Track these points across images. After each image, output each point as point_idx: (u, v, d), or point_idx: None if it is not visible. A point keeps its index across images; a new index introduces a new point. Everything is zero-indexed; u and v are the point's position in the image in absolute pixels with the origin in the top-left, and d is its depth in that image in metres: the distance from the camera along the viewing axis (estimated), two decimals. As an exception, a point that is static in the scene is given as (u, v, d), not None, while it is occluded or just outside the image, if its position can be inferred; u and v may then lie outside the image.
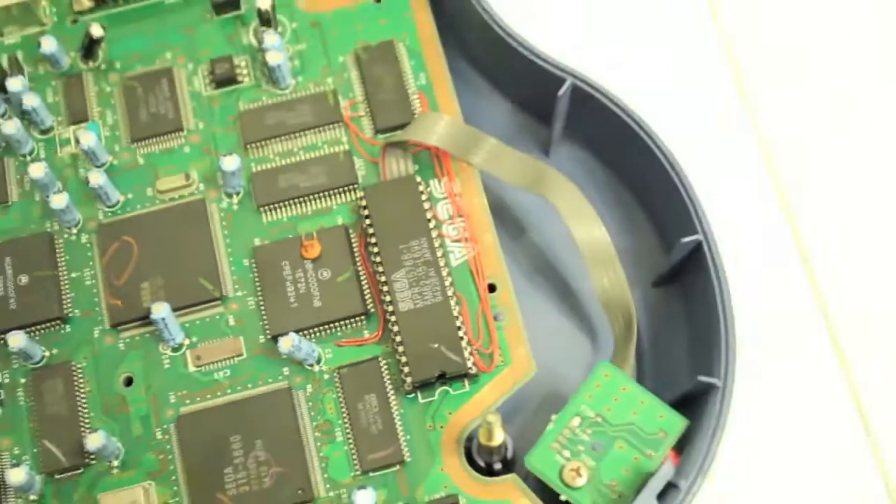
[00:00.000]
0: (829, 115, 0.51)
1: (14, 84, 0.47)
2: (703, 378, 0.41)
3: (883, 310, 0.47)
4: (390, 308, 0.43)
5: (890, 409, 0.45)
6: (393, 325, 0.43)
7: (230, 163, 0.44)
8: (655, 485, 0.39)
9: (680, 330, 0.45)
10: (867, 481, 0.44)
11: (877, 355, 0.46)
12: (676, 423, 0.41)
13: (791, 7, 0.54)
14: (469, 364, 0.42)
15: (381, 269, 0.43)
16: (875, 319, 0.47)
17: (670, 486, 0.39)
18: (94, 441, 0.41)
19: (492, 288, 0.44)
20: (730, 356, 0.41)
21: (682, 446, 0.40)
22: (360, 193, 0.45)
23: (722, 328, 0.41)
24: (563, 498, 0.40)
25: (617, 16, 0.53)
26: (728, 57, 0.52)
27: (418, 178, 0.45)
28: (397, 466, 0.42)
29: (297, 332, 0.43)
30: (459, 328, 0.43)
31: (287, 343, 0.42)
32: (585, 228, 0.43)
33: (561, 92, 0.45)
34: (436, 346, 0.42)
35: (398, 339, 0.43)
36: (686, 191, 0.43)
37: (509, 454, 0.42)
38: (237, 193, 0.46)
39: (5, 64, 0.49)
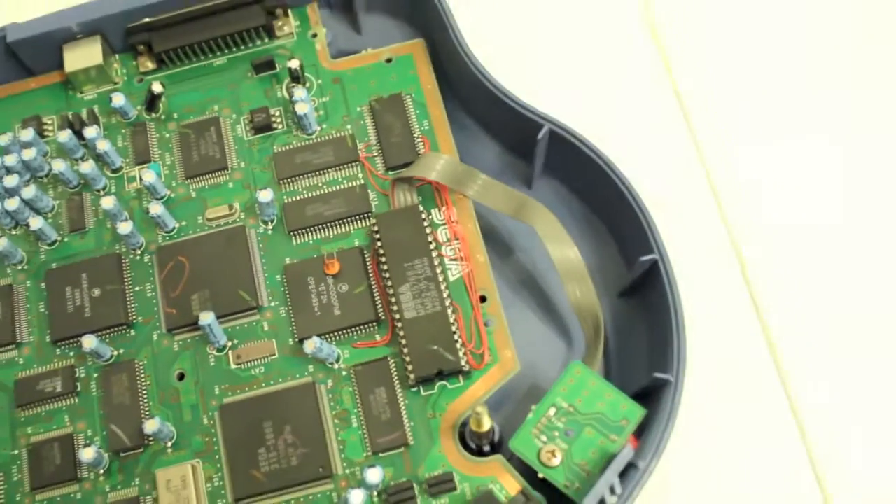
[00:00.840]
0: (770, 142, 0.50)
1: (90, 132, 0.46)
2: (658, 375, 0.39)
3: (817, 313, 0.46)
4: (397, 316, 0.42)
5: (820, 403, 0.44)
6: (399, 331, 0.42)
7: (265, 195, 0.43)
8: (618, 464, 0.38)
9: (641, 334, 0.43)
10: (798, 470, 0.43)
11: (811, 357, 0.45)
12: (636, 412, 0.39)
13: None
14: (463, 363, 0.41)
15: (389, 283, 0.42)
16: (809, 321, 0.45)
17: (630, 466, 0.38)
18: (151, 426, 0.40)
19: (483, 299, 0.43)
20: (681, 356, 0.39)
21: (640, 432, 0.39)
22: (372, 220, 0.44)
23: (674, 333, 0.40)
24: (540, 475, 0.39)
25: (587, 67, 0.52)
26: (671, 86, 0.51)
27: (421, 208, 0.44)
28: (402, 448, 0.41)
29: (319, 336, 0.42)
30: (455, 333, 0.41)
31: (311, 345, 0.41)
32: (560, 249, 0.42)
33: (540, 136, 0.44)
34: (435, 347, 0.41)
35: (403, 342, 0.41)
36: (644, 216, 0.42)
37: (496, 438, 0.41)
38: (272, 220, 0.45)
39: (84, 115, 0.48)
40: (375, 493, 0.40)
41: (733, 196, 0.48)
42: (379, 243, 0.43)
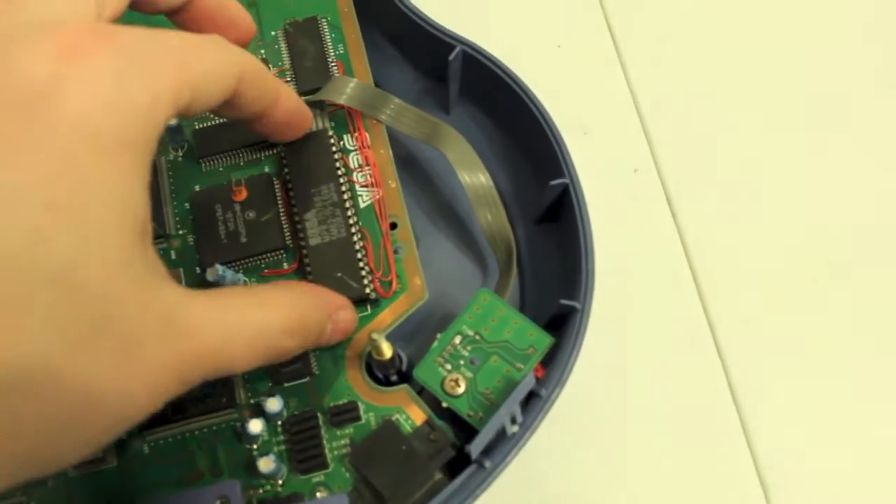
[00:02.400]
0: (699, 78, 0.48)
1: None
2: (564, 301, 0.38)
3: (738, 251, 0.44)
4: (303, 243, 0.41)
5: (737, 324, 0.42)
6: (305, 258, 0.41)
7: (173, 121, 0.42)
8: (518, 393, 0.36)
9: (555, 261, 0.42)
10: (714, 390, 0.42)
11: (731, 292, 0.43)
12: (544, 340, 0.38)
13: None
14: (368, 290, 0.39)
15: (295, 209, 0.41)
16: (730, 258, 0.44)
17: (533, 395, 0.37)
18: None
19: (393, 226, 0.41)
20: (588, 283, 0.38)
21: (549, 361, 0.38)
22: (280, 147, 0.42)
23: (583, 259, 0.38)
24: (444, 405, 0.38)
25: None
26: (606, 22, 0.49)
27: (330, 133, 0.42)
28: (307, 378, 0.39)
29: (225, 264, 0.41)
30: (361, 260, 0.40)
31: (212, 273, 0.39)
32: (471, 174, 0.41)
33: (451, 57, 0.42)
34: (339, 275, 0.40)
35: (309, 269, 0.40)
36: (555, 139, 0.40)
37: (404, 368, 0.40)
38: (182, 148, 0.43)
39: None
40: (279, 423, 0.39)
41: (659, 122, 0.46)
42: (286, 170, 0.42)
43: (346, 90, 0.42)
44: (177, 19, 0.36)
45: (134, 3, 0.34)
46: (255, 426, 0.37)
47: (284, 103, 0.37)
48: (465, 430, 0.38)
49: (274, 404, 0.38)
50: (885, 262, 0.43)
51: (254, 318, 0.32)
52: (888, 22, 0.48)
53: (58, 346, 0.25)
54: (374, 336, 0.37)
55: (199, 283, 0.41)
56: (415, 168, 0.45)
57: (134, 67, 0.28)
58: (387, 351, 0.38)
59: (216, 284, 0.40)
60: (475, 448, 0.36)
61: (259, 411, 0.39)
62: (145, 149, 0.28)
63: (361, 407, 0.39)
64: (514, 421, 0.36)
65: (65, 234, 0.25)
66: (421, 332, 0.42)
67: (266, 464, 0.37)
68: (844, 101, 0.46)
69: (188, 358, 0.29)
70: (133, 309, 0.27)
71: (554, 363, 0.37)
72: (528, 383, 0.37)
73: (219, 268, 0.39)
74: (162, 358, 0.28)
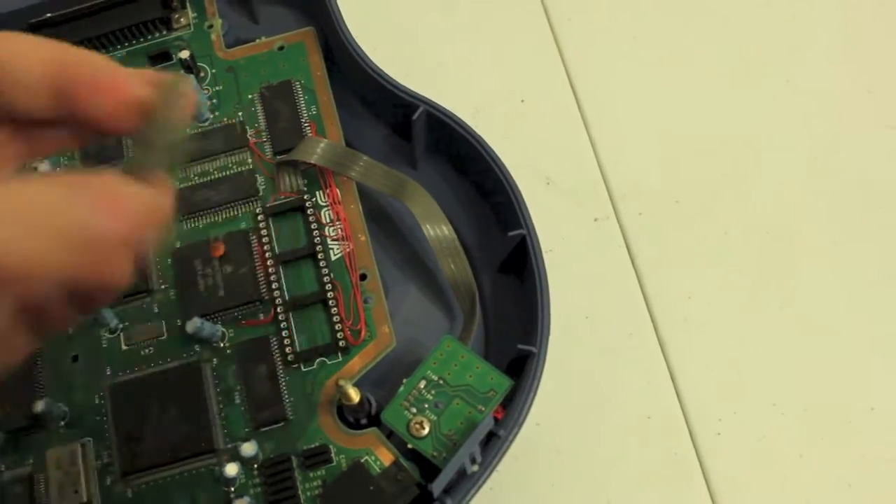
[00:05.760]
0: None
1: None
2: (522, 346, 0.40)
3: (696, 296, 0.46)
4: (277, 294, 0.43)
5: (692, 367, 0.44)
6: (279, 309, 0.43)
7: (153, 182, 0.45)
8: (478, 434, 0.38)
9: (515, 306, 0.44)
10: (670, 430, 0.43)
11: (689, 338, 0.45)
12: (503, 383, 0.40)
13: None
14: (339, 339, 0.42)
15: (271, 263, 0.43)
16: (688, 304, 0.46)
17: (493, 436, 0.39)
18: (39, 406, 0.41)
19: (363, 277, 0.43)
20: (544, 328, 0.40)
21: (510, 403, 0.40)
22: (258, 208, 0.45)
23: (539, 305, 0.40)
24: (409, 446, 0.40)
25: (472, 47, 0.53)
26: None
27: (305, 197, 0.45)
28: (282, 423, 0.41)
29: (204, 316, 0.43)
30: (332, 310, 0.42)
31: (191, 325, 0.42)
32: (434, 227, 0.43)
33: (415, 116, 0.44)
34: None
35: (282, 320, 0.43)
36: (512, 191, 0.42)
37: (373, 411, 0.42)
38: (164, 206, 0.46)
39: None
40: (255, 466, 0.41)
41: (620, 173, 0.48)
42: (263, 232, 0.44)
43: (317, 150, 0.44)
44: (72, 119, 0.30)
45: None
46: (231, 469, 0.39)
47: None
48: (433, 470, 0.40)
49: (249, 448, 0.40)
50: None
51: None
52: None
53: None
54: (342, 382, 0.39)
55: (181, 332, 0.43)
56: (385, 220, 0.47)
57: None
58: (354, 396, 0.40)
59: (195, 335, 0.42)
60: (436, 487, 0.37)
61: (236, 455, 0.41)
62: None
63: (333, 450, 0.41)
64: (473, 461, 0.38)
65: None
66: (390, 377, 0.43)
67: (241, 505, 0.39)
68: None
69: None
70: None
71: (512, 404, 0.39)
72: (486, 424, 0.38)
73: (197, 320, 0.42)
74: None
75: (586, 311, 0.45)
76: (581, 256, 0.45)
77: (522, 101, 0.50)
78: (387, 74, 0.45)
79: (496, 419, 0.39)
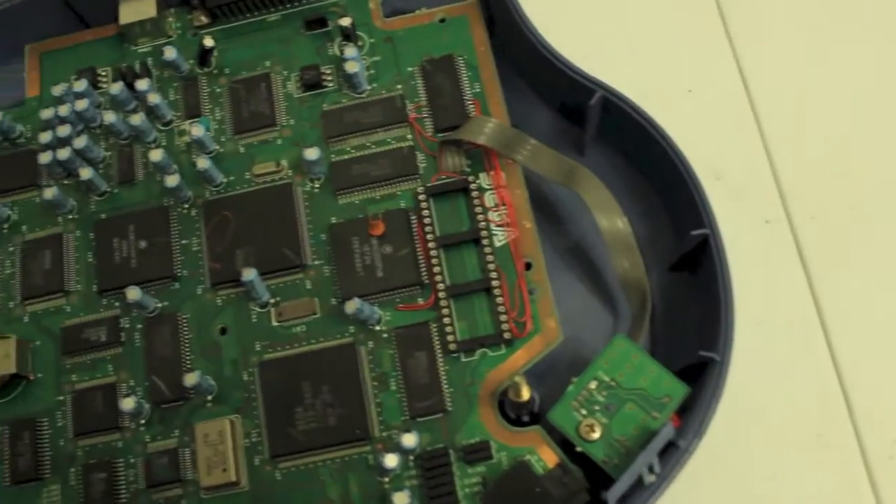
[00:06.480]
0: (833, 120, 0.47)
1: (142, 85, 0.46)
2: (704, 353, 0.38)
3: (872, 297, 0.44)
4: (439, 278, 0.41)
5: (872, 387, 0.42)
6: (441, 295, 0.41)
7: (312, 153, 0.43)
8: (658, 443, 0.36)
9: (689, 309, 0.42)
10: (847, 458, 0.41)
11: (864, 341, 0.43)
12: (679, 390, 0.38)
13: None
14: (504, 330, 0.40)
15: (433, 247, 0.42)
16: (864, 305, 0.44)
17: (671, 445, 0.37)
18: (191, 379, 0.40)
19: (528, 266, 0.41)
20: (728, 335, 0.38)
21: (683, 411, 0.38)
22: (420, 187, 0.43)
23: (723, 311, 0.38)
24: (578, 449, 0.38)
25: (647, 36, 0.50)
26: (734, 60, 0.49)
27: (471, 178, 0.43)
28: (440, 414, 0.40)
29: (361, 297, 0.41)
30: (497, 299, 0.41)
31: (352, 305, 0.40)
32: (609, 219, 0.41)
33: (592, 102, 0.42)
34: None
35: (445, 308, 0.41)
36: (697, 189, 0.40)
37: (536, 409, 0.40)
38: (318, 179, 0.44)
39: (137, 68, 0.48)
40: (411, 458, 0.39)
41: (792, 173, 0.46)
42: (426, 212, 0.42)
43: (486, 130, 0.42)
44: None
45: None
46: (391, 461, 0.38)
47: None
48: (593, 476, 0.38)
49: (410, 440, 0.38)
50: None
51: None
52: None
53: None
54: (518, 379, 0.38)
55: (335, 312, 0.42)
56: (543, 207, 0.45)
57: None
58: (526, 393, 0.38)
59: (354, 317, 0.40)
60: (612, 495, 0.36)
61: (393, 445, 0.40)
62: None
63: (494, 446, 0.39)
64: (651, 470, 0.36)
65: None
66: (549, 373, 0.42)
67: (402, 499, 0.37)
68: None
69: None
70: None
71: (693, 413, 0.37)
72: (667, 433, 0.37)
73: (357, 301, 0.40)
74: None
75: (755, 318, 0.43)
76: (750, 260, 0.43)
77: (690, 91, 0.47)
78: (563, 56, 0.42)
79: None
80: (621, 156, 0.45)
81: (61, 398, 0.42)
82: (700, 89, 0.48)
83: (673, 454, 0.37)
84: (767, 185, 0.46)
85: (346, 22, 0.45)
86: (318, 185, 0.44)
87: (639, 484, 0.37)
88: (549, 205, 0.45)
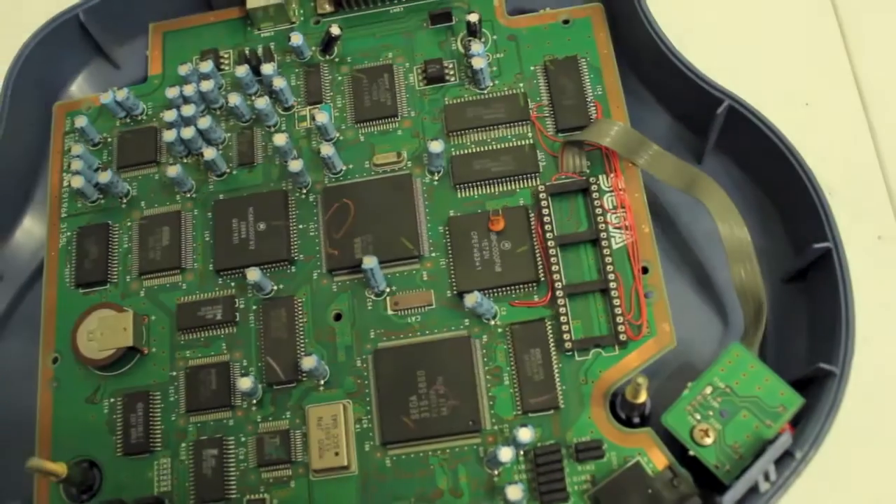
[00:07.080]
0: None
1: (266, 69, 0.46)
2: (823, 365, 0.38)
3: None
4: (557, 277, 0.42)
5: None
6: (558, 293, 0.42)
7: (436, 146, 0.43)
8: (775, 451, 0.37)
9: (803, 321, 0.42)
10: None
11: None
12: (795, 400, 0.38)
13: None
14: (619, 332, 0.41)
15: (552, 245, 0.42)
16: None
17: (786, 455, 0.37)
18: (308, 363, 0.41)
19: (645, 270, 0.42)
20: (848, 349, 0.38)
21: (797, 421, 0.38)
22: (540, 185, 0.43)
23: (843, 324, 0.39)
24: (690, 453, 0.38)
25: (769, 48, 0.50)
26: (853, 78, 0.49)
27: (591, 179, 0.43)
28: (552, 411, 0.40)
29: (479, 290, 0.42)
30: (614, 301, 0.41)
31: (472, 299, 0.41)
32: (730, 227, 0.41)
33: (719, 111, 0.42)
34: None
35: (561, 304, 0.41)
36: (821, 204, 0.40)
37: (647, 411, 0.41)
38: (438, 172, 0.45)
39: (261, 52, 0.49)
40: (522, 452, 0.40)
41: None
42: (545, 211, 0.43)
43: (611, 133, 0.43)
44: None
45: None
46: (506, 454, 0.38)
47: None
48: (703, 481, 0.38)
49: (526, 434, 0.39)
50: None
51: None
52: None
53: None
54: (640, 380, 0.38)
55: (450, 304, 0.43)
56: (659, 212, 0.45)
57: None
58: (644, 395, 0.39)
59: (473, 310, 0.41)
60: (729, 500, 0.36)
61: (506, 439, 0.40)
62: None
63: (605, 445, 0.40)
64: (767, 478, 0.37)
65: None
66: (658, 376, 0.42)
67: (515, 493, 0.38)
68: None
69: None
70: None
71: (810, 424, 0.37)
72: (784, 442, 0.37)
73: (477, 295, 0.41)
74: None
75: (864, 334, 0.43)
76: (862, 274, 0.43)
77: (807, 104, 0.48)
78: (692, 64, 0.43)
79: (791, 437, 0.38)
80: (739, 165, 0.45)
81: (174, 373, 0.44)
82: (817, 103, 0.48)
83: (788, 464, 0.37)
84: (881, 200, 0.46)
85: (473, 18, 0.46)
86: (437, 178, 0.45)
87: (753, 491, 0.37)
88: (663, 210, 0.45)
